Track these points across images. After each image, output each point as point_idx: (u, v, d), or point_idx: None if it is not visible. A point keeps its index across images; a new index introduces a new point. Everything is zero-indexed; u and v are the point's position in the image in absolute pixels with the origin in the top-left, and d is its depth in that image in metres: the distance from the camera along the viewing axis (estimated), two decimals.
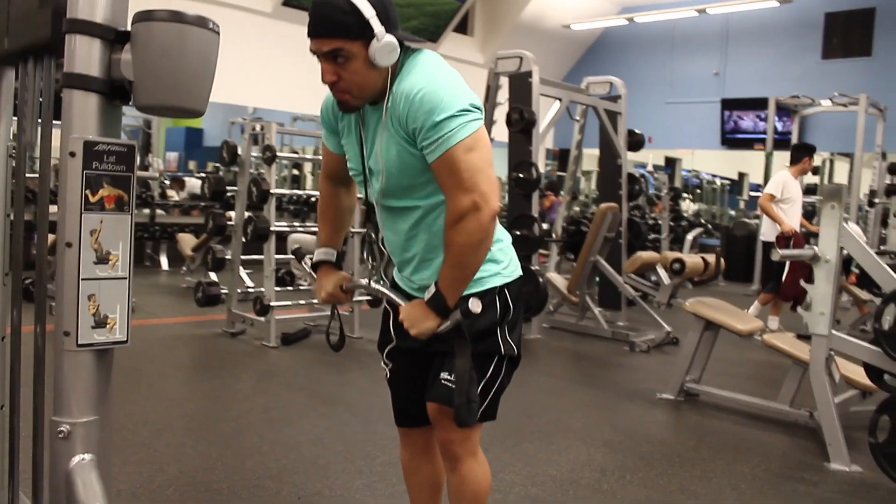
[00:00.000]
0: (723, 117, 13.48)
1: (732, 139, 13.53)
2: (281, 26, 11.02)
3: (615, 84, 7.41)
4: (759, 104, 12.33)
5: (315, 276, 2.13)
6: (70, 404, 1.24)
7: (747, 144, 13.31)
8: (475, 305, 1.84)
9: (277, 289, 5.85)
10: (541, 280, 6.07)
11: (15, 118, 1.66)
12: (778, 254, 3.69)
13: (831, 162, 13.08)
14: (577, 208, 11.39)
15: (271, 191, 5.50)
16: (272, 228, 5.54)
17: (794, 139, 10.64)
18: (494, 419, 2.01)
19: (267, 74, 10.73)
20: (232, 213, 6.09)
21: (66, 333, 1.22)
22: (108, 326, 1.25)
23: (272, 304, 5.49)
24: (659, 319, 6.36)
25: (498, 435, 3.59)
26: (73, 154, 1.20)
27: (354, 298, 5.92)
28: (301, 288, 6.83)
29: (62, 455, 1.22)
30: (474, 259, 1.81)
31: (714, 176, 16.11)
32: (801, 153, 6.81)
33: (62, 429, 1.23)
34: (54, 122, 1.44)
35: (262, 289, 5.73)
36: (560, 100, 6.72)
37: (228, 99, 10.13)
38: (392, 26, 1.74)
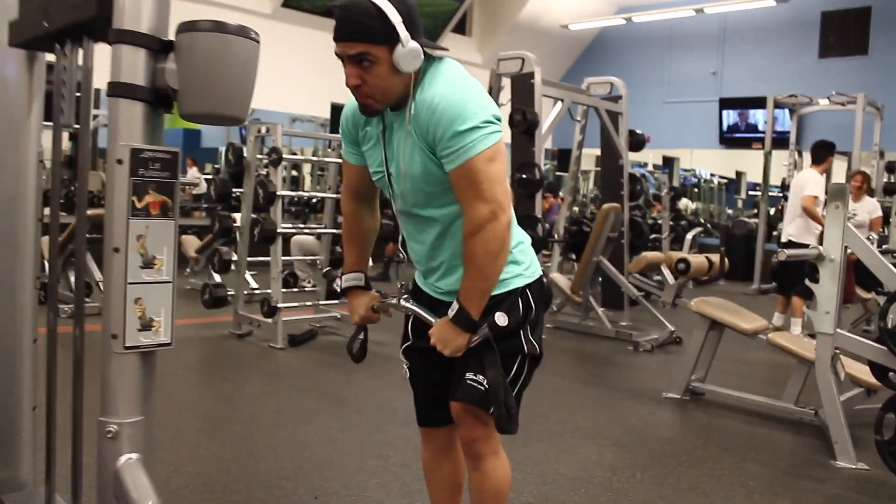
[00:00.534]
0: (721, 116, 13.52)
1: (730, 138, 13.58)
2: (280, 28, 11.04)
3: (616, 84, 7.45)
4: (756, 103, 12.37)
5: (347, 300, 2.18)
6: (117, 405, 1.27)
7: (745, 144, 13.36)
8: (501, 320, 1.88)
9: (283, 290, 5.88)
10: (544, 280, 6.10)
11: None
12: (784, 254, 3.73)
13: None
14: (576, 208, 11.44)
15: (278, 192, 5.53)
16: (279, 230, 5.56)
17: (793, 138, 10.70)
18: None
19: (266, 76, 10.69)
20: (237, 215, 6.11)
21: (113, 336, 1.26)
22: (153, 329, 1.28)
23: (279, 305, 5.52)
24: (662, 319, 6.40)
25: (508, 435, 3.62)
26: (120, 161, 1.23)
27: None
28: (306, 290, 6.86)
29: (110, 455, 1.26)
30: (494, 268, 1.84)
31: (712, 175, 16.17)
32: (826, 152, 6.74)
33: (110, 429, 1.26)
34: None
35: (268, 290, 5.76)
36: (562, 100, 6.76)
37: None
38: (417, 32, 1.77)
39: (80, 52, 1.47)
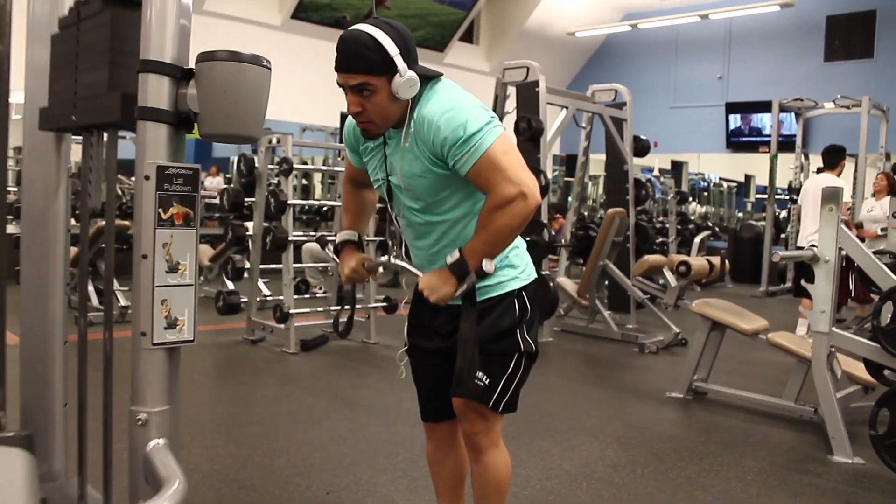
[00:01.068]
0: (727, 121, 13.61)
1: (737, 142, 13.67)
2: (290, 39, 11.23)
3: (620, 91, 7.57)
4: (762, 107, 12.46)
5: (338, 258, 2.29)
6: (146, 396, 1.41)
7: (752, 147, 13.44)
8: (489, 266, 1.93)
9: (294, 297, 6.02)
10: (551, 285, 6.23)
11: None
12: (778, 255, 3.84)
13: None
14: (585, 213, 11.56)
15: (289, 202, 5.68)
16: (290, 238, 5.71)
17: (799, 142, 10.79)
18: (515, 411, 2.17)
19: (276, 86, 10.82)
20: (249, 224, 6.27)
21: (142, 334, 1.40)
22: (177, 327, 1.42)
23: (291, 311, 5.66)
24: (667, 321, 6.51)
25: (514, 433, 3.75)
26: (147, 178, 1.37)
27: (370, 305, 6.10)
28: (317, 296, 7.00)
29: (140, 440, 1.40)
30: (507, 241, 1.95)
31: (721, 179, 16.24)
32: (838, 157, 6.87)
33: (140, 417, 1.40)
34: None
35: (280, 297, 5.90)
36: (566, 108, 6.89)
37: None
38: (413, 62, 1.91)
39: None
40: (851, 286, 6.02)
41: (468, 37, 14.26)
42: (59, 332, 1.93)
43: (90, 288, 6.18)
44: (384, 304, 6.14)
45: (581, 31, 14.56)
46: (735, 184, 16.60)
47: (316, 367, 5.36)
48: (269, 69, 1.45)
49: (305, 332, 5.99)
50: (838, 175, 6.87)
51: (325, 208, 10.76)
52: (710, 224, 13.39)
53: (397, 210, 2.12)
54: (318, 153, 12.83)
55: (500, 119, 6.66)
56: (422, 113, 1.92)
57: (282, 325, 5.71)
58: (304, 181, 13.47)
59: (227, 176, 12.32)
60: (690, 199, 14.01)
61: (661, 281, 7.47)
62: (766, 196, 11.53)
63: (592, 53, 15.62)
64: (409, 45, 1.91)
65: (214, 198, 7.91)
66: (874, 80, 11.72)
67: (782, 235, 11.49)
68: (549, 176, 8.20)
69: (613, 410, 4.47)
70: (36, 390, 1.91)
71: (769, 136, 11.51)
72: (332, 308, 6.41)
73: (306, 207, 11.14)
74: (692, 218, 13.19)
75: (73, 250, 6.80)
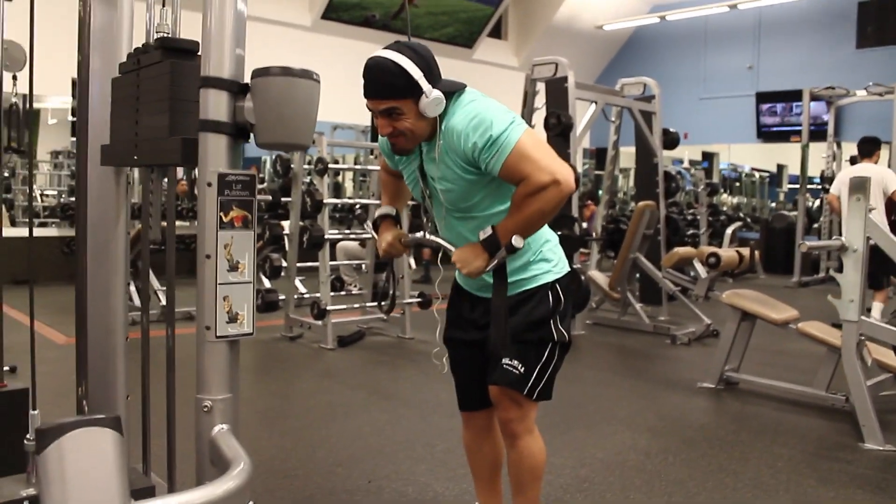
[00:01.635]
0: (758, 111, 13.54)
1: (768, 132, 13.59)
2: (320, 39, 11.39)
3: (649, 84, 7.61)
4: (793, 96, 12.38)
5: (376, 233, 2.40)
6: (210, 384, 1.54)
7: (783, 137, 13.36)
8: (518, 242, 2.00)
9: (331, 294, 6.17)
10: (583, 278, 6.30)
11: None
12: (806, 245, 3.90)
13: None
14: (616, 205, 11.60)
15: (325, 201, 5.82)
16: (326, 236, 5.86)
17: (831, 130, 10.73)
18: (550, 399, 2.28)
19: None
20: (285, 223, 6.42)
21: (207, 328, 1.53)
22: (238, 321, 1.55)
23: (328, 308, 5.81)
24: (699, 312, 6.55)
25: (548, 423, 3.83)
26: (209, 184, 1.50)
27: (405, 301, 6.22)
28: (352, 293, 7.15)
29: (205, 426, 1.53)
30: (539, 223, 2.05)
31: (753, 169, 16.14)
32: (874, 146, 7.06)
33: (206, 404, 1.53)
34: None
35: (317, 294, 6.05)
36: (595, 102, 6.95)
37: None
38: (436, 80, 2.02)
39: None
40: None
41: (496, 33, 14.32)
42: (120, 329, 2.06)
43: (131, 288, 6.39)
44: (419, 300, 6.26)
45: (609, 23, 14.56)
46: (767, 174, 16.49)
47: (353, 361, 5.50)
48: (319, 82, 1.57)
49: (342, 329, 6.13)
50: (875, 164, 6.91)
51: (357, 207, 10.93)
52: (741, 215, 13.34)
53: (437, 213, 2.24)
54: (350, 151, 12.98)
55: (530, 115, 6.79)
56: (449, 125, 2.03)
57: (319, 322, 5.86)
58: (338, 179, 13.64)
59: (261, 176, 12.51)
60: (721, 189, 13.95)
61: (692, 273, 7.50)
62: (797, 186, 11.48)
63: (621, 46, 15.61)
64: (432, 66, 2.03)
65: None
66: None
67: (815, 225, 11.42)
68: (580, 170, 8.26)
69: (645, 401, 4.55)
70: (99, 384, 2.05)
71: (800, 125, 11.45)
72: (368, 304, 6.55)
73: (339, 206, 11.30)
74: (723, 209, 13.15)
75: None
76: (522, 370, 2.17)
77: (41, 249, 8.62)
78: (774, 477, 3.31)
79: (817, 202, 12.04)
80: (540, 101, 6.87)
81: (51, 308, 7.11)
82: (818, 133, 11.16)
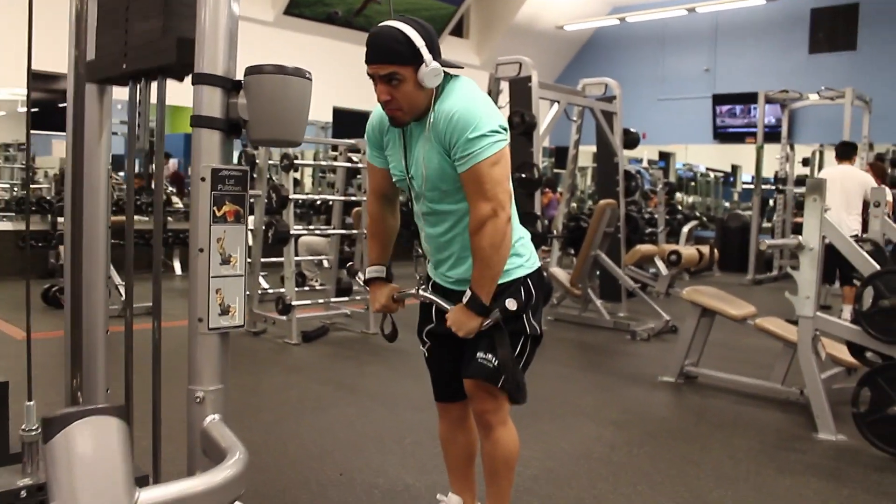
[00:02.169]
0: (714, 112, 13.82)
1: (724, 133, 13.88)
2: (282, 35, 11.32)
3: (610, 85, 7.73)
4: (749, 99, 12.67)
5: (368, 289, 2.50)
6: (202, 376, 1.57)
7: (739, 138, 13.66)
8: (511, 304, 2.17)
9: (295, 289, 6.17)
10: (545, 274, 6.39)
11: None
12: (765, 244, 4.03)
13: (821, 153, 13.44)
14: (574, 204, 11.74)
15: (290, 196, 5.83)
16: (291, 232, 5.86)
17: (784, 132, 11.01)
18: None
19: None
20: (251, 218, 6.41)
21: (199, 320, 1.56)
22: (230, 314, 1.58)
23: (293, 303, 5.81)
24: (658, 309, 6.70)
25: (515, 416, 3.86)
26: (203, 179, 1.53)
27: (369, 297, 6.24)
28: (316, 288, 7.16)
29: (197, 417, 1.55)
30: (498, 258, 2.14)
31: (708, 169, 16.46)
32: (852, 150, 7.61)
33: (198, 395, 1.56)
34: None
35: (281, 290, 6.05)
36: (558, 102, 7.05)
37: None
38: (437, 54, 2.09)
39: (153, 86, 1.77)
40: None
41: (458, 31, 14.37)
42: (101, 323, 2.07)
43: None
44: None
45: (569, 24, 14.71)
46: (722, 174, 16.83)
47: (319, 357, 5.52)
48: (310, 80, 1.60)
49: (305, 324, 6.14)
50: (852, 166, 7.47)
51: (318, 202, 10.91)
52: (697, 214, 13.60)
53: (415, 198, 2.29)
54: (309, 147, 12.94)
55: None
56: (442, 107, 2.09)
57: (284, 317, 5.86)
58: (295, 175, 13.56)
59: None
60: (676, 190, 14.22)
61: (651, 270, 7.65)
62: (752, 186, 11.75)
63: (581, 46, 15.78)
64: (434, 40, 2.10)
65: None
66: (857, 72, 11.95)
67: (768, 224, 11.72)
68: (542, 168, 8.36)
69: (608, 394, 4.65)
70: (84, 377, 2.06)
71: (755, 127, 11.72)
72: (332, 300, 6.56)
73: (300, 201, 11.25)
74: (680, 208, 13.40)
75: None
76: (496, 363, 2.23)
77: None
78: (735, 467, 3.43)
79: (771, 202, 12.33)
80: (503, 99, 6.94)
81: (7, 304, 6.99)
82: (772, 135, 11.44)
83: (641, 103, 13.72)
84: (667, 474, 3.32)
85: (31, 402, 1.82)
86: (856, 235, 6.63)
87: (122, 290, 6.59)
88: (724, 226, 12.25)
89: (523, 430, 3.81)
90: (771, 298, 8.46)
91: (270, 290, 7.04)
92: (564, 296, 7.36)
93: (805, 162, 12.73)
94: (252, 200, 6.39)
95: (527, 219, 6.27)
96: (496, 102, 6.96)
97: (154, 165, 1.82)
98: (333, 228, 6.81)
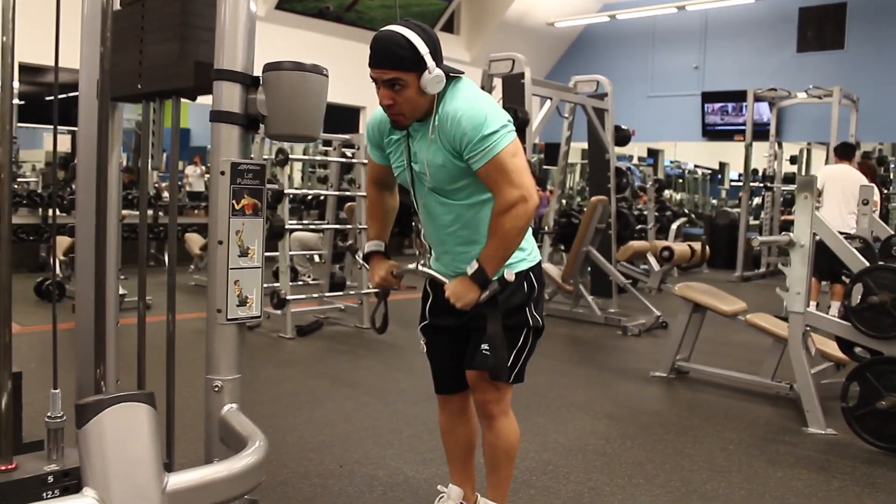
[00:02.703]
0: (703, 110, 13.91)
1: (713, 131, 13.98)
2: (274, 30, 11.32)
3: (602, 82, 7.78)
4: (737, 97, 12.77)
5: (367, 265, 2.50)
6: (220, 365, 1.61)
7: (727, 136, 13.76)
8: (510, 276, 2.17)
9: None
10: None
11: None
12: (757, 240, 4.09)
13: (808, 151, 13.58)
14: (563, 201, 11.81)
15: (285, 191, 5.85)
16: (286, 227, 5.88)
17: (773, 130, 11.11)
18: (523, 381, 2.39)
19: None
20: None
21: (218, 311, 1.59)
22: (248, 305, 1.62)
23: (288, 297, 5.84)
24: (649, 305, 6.76)
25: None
26: (223, 173, 1.56)
27: (363, 291, 6.28)
28: (310, 283, 7.18)
29: (215, 405, 1.59)
30: (516, 241, 2.16)
31: (696, 166, 16.58)
32: (853, 150, 7.83)
33: (216, 384, 1.59)
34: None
35: (276, 284, 6.07)
36: (550, 99, 7.09)
37: None
38: (440, 60, 2.11)
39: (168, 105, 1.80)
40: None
41: (449, 27, 14.40)
42: (112, 315, 2.10)
43: None
44: (376, 290, 6.32)
45: (560, 21, 14.77)
46: (710, 171, 16.95)
47: (313, 350, 5.55)
48: (327, 76, 1.64)
49: (299, 318, 6.17)
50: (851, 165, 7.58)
51: (309, 197, 10.94)
52: (686, 211, 13.70)
53: (418, 195, 2.32)
54: (298, 144, 12.93)
55: None
56: (446, 109, 2.12)
57: (279, 311, 5.89)
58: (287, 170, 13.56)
59: (208, 165, 12.37)
60: (665, 187, 14.32)
61: (643, 266, 7.72)
62: (740, 183, 11.85)
63: (571, 43, 15.85)
64: (437, 46, 2.12)
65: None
66: (844, 71, 12.07)
67: (755, 221, 11.83)
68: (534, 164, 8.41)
69: (601, 388, 4.71)
70: (91, 368, 2.09)
71: (744, 124, 11.81)
72: (326, 294, 6.59)
73: (292, 196, 11.27)
74: (668, 205, 13.49)
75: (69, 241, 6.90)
76: (488, 337, 2.26)
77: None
78: (727, 459, 3.49)
79: (758, 199, 12.44)
80: (496, 96, 6.98)
81: None
82: (761, 133, 11.54)
83: (631, 100, 13.79)
84: (661, 466, 3.37)
85: (57, 391, 1.84)
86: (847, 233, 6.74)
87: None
88: (713, 223, 12.36)
89: (518, 422, 3.85)
90: (759, 295, 8.56)
91: (265, 285, 7.05)
92: (556, 292, 7.41)
93: (793, 160, 12.85)
94: None
95: None
96: None
97: (170, 185, 1.84)
98: (327, 223, 6.84)
